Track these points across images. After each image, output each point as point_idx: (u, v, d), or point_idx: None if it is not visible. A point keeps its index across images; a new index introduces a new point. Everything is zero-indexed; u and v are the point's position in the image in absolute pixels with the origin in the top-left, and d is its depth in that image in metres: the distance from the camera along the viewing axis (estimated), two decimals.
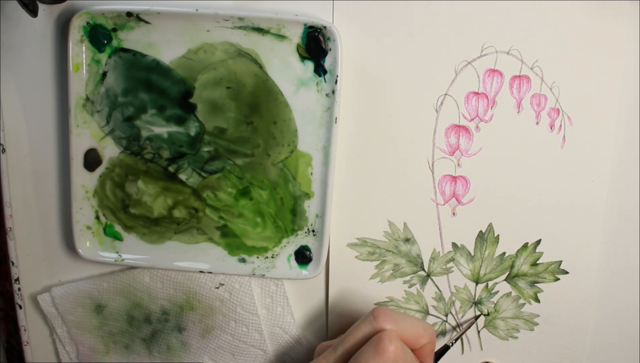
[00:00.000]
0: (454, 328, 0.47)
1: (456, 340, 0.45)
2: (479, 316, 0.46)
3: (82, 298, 0.47)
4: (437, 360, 0.43)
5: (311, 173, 0.43)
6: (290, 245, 0.45)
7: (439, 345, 0.44)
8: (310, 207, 0.44)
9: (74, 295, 0.47)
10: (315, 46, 0.41)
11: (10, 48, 0.44)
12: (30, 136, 0.46)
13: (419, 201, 0.45)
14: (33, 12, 0.40)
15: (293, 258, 0.45)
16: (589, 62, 0.42)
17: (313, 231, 0.44)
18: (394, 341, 0.36)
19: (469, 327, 0.46)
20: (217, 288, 0.46)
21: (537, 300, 0.46)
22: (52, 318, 0.48)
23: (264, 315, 0.47)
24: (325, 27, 0.40)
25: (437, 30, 0.42)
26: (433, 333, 0.40)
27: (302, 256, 0.45)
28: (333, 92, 0.41)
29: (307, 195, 0.44)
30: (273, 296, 0.47)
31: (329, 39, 0.41)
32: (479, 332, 0.47)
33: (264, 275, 0.45)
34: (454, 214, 0.45)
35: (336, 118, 0.42)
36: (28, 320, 0.49)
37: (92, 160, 0.44)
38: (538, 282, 0.46)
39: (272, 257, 0.45)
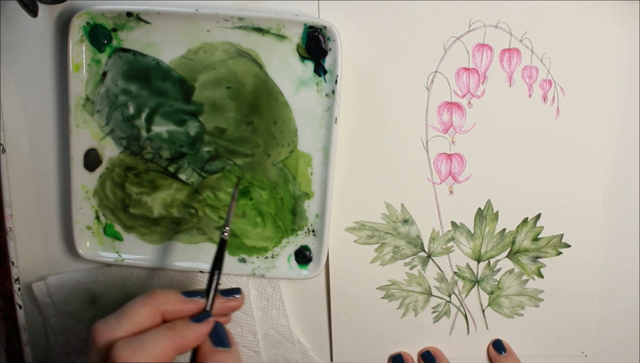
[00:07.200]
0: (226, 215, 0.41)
1: (225, 224, 0.40)
2: (239, 180, 0.42)
3: (77, 289, 0.47)
4: (219, 258, 0.38)
5: (311, 173, 0.43)
6: (290, 245, 0.45)
7: None
8: (310, 207, 0.44)
9: (70, 285, 0.47)
10: (315, 45, 0.41)
11: (10, 48, 0.44)
12: (30, 136, 0.46)
13: (415, 181, 0.44)
14: (33, 12, 0.40)
15: (293, 258, 0.45)
16: (580, 31, 0.42)
17: (313, 231, 0.44)
18: None
19: (232, 203, 0.41)
20: None
21: (541, 276, 0.45)
22: (45, 308, 0.48)
23: (259, 316, 0.47)
24: (325, 27, 0.40)
25: (423, 8, 0.42)
26: None
27: (302, 256, 0.45)
28: (333, 92, 0.41)
29: (307, 195, 0.44)
30: (269, 299, 0.47)
31: (329, 39, 0.41)
32: (483, 310, 0.46)
33: (264, 275, 0.45)
34: (451, 192, 0.45)
35: (336, 118, 0.42)
36: (28, 320, 0.49)
37: (92, 160, 0.44)
38: (540, 257, 0.45)
39: (272, 257, 0.45)
